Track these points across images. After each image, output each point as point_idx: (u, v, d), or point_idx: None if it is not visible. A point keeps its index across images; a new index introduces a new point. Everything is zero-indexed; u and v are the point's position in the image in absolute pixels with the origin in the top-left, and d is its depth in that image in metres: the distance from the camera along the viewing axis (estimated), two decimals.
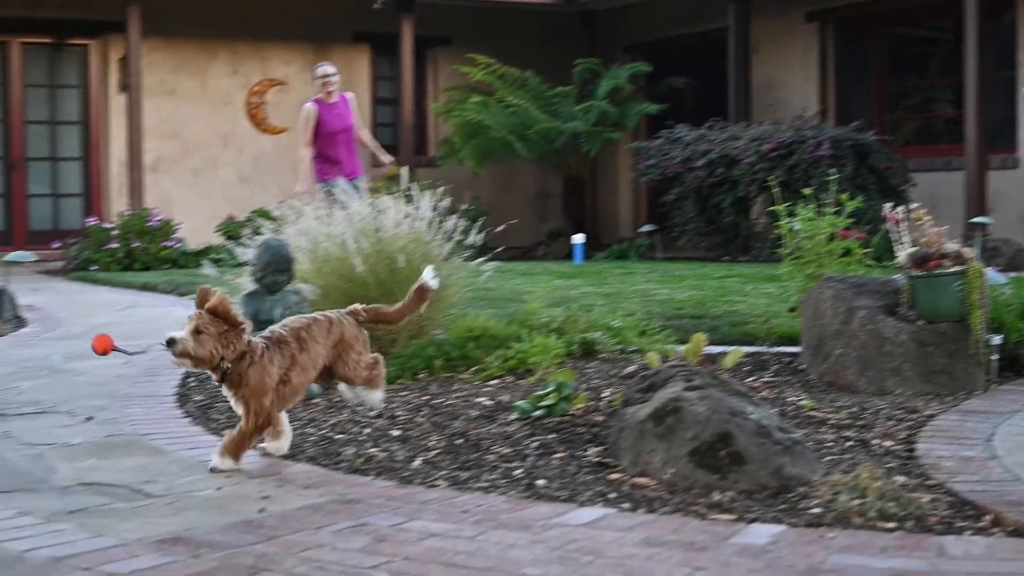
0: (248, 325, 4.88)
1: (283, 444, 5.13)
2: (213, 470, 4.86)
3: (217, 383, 4.95)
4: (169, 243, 17.44)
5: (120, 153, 19.02)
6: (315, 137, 12.63)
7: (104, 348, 5.39)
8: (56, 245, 18.15)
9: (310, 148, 12.71)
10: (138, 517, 4.24)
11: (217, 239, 17.91)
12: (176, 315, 10.59)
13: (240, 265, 7.59)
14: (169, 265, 17.09)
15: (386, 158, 13.66)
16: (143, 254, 17.16)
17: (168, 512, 4.30)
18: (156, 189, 19.07)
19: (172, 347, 4.74)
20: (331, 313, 5.17)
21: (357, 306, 5.26)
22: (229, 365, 4.83)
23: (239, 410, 4.92)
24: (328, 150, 12.66)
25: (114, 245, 17.09)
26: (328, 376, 5.22)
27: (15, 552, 3.80)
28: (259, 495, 4.50)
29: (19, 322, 10.50)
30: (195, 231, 18.30)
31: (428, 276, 5.29)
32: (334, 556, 3.69)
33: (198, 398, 6.56)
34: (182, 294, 12.34)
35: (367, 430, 5.55)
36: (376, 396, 5.26)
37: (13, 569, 3.61)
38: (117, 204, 18.82)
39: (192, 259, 16.92)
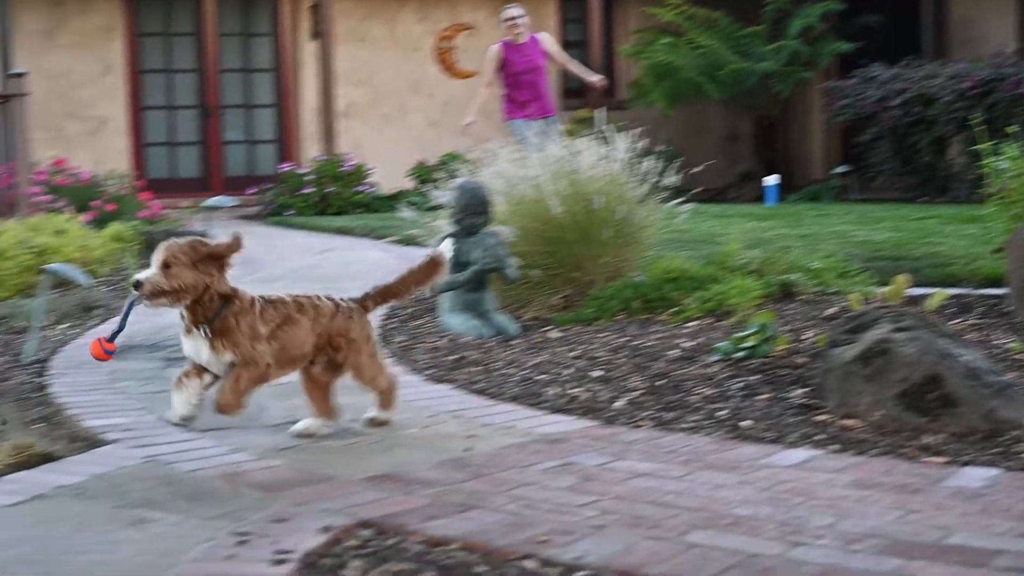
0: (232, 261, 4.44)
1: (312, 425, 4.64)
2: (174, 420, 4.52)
3: (189, 330, 4.39)
4: (362, 188, 17.69)
5: (312, 100, 19.28)
6: (502, 78, 12.84)
7: (101, 351, 4.56)
8: (252, 191, 18.52)
9: (489, 87, 13.11)
10: (348, 454, 4.33)
11: (408, 183, 18.09)
12: (372, 257, 10.77)
13: (434, 208, 7.65)
14: (362, 209, 17.32)
15: (595, 78, 13.84)
16: (337, 199, 17.44)
17: (377, 450, 4.38)
18: (348, 135, 19.30)
19: (139, 289, 4.23)
20: (341, 301, 4.67)
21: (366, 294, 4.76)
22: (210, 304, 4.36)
23: (218, 361, 4.39)
24: (514, 91, 12.87)
25: (309, 190, 17.39)
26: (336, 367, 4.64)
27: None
28: (464, 434, 4.55)
29: None
30: (387, 176, 18.49)
31: (445, 248, 4.87)
32: (543, 494, 3.72)
33: (400, 339, 6.66)
34: (378, 237, 12.50)
35: (568, 371, 5.56)
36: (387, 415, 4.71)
37: (229, 503, 3.71)
38: (310, 150, 19.10)
39: (385, 203, 17.12)
